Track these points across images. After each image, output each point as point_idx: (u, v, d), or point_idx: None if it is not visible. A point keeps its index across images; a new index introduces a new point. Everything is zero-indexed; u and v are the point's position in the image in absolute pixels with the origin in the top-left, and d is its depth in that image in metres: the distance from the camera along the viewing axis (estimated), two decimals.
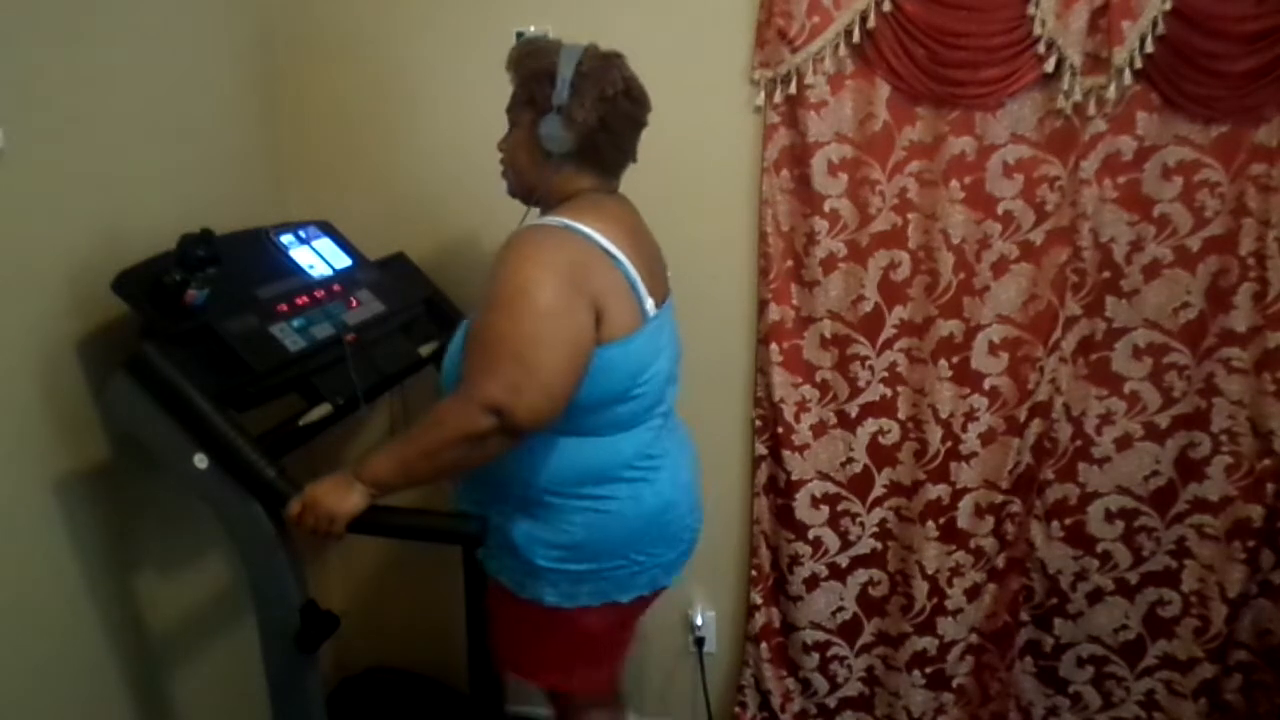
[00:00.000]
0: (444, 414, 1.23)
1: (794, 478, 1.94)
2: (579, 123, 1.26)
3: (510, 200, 1.43)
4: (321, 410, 1.44)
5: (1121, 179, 1.71)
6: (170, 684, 1.67)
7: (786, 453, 1.93)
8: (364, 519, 1.27)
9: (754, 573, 2.05)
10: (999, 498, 1.88)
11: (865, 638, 2.05)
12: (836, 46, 1.69)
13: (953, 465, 1.88)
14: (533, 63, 1.30)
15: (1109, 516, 1.89)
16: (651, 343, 1.31)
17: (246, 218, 1.69)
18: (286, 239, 1.65)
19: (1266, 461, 1.77)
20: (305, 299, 1.52)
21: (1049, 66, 1.63)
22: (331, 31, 1.90)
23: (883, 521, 1.97)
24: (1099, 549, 1.91)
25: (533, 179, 1.35)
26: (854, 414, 1.91)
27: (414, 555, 2.19)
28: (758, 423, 1.96)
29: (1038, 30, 1.61)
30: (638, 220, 1.40)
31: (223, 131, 1.77)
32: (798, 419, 1.92)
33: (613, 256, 1.24)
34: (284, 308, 1.47)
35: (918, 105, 1.72)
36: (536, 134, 1.29)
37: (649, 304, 1.29)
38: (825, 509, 1.97)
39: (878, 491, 1.96)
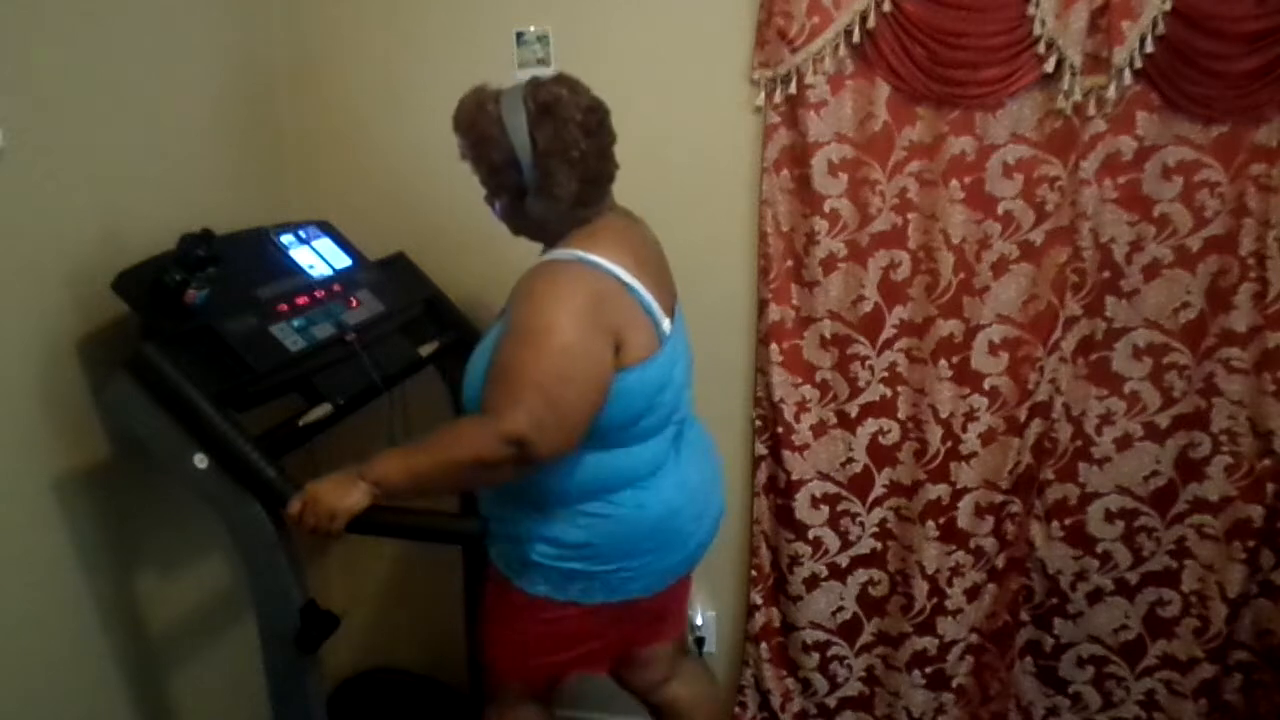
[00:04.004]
0: (464, 435, 1.26)
1: (794, 478, 1.94)
2: (562, 197, 1.27)
3: None
4: (321, 410, 1.44)
5: (1121, 179, 1.71)
6: (170, 684, 1.67)
7: (786, 453, 1.93)
8: (364, 518, 1.27)
9: (754, 573, 2.05)
10: (999, 498, 1.88)
11: (865, 638, 2.05)
12: (836, 46, 1.69)
13: (953, 465, 1.88)
14: (488, 156, 1.28)
15: (1109, 516, 1.89)
16: (669, 359, 1.33)
17: (246, 218, 1.69)
18: (286, 239, 1.65)
19: (1266, 461, 1.77)
20: (305, 299, 1.53)
21: (1049, 66, 1.63)
22: (331, 31, 1.90)
23: (883, 521, 1.97)
24: (1099, 549, 1.91)
25: (532, 230, 1.38)
26: (854, 414, 1.91)
27: (414, 555, 2.19)
28: (758, 423, 1.96)
29: (1038, 30, 1.61)
30: (642, 233, 1.41)
31: (223, 131, 1.77)
32: (798, 419, 1.92)
33: (628, 286, 1.26)
34: (284, 308, 1.47)
35: (918, 105, 1.72)
36: (525, 210, 1.30)
37: (665, 324, 1.31)
38: (825, 509, 1.97)
39: (878, 491, 1.96)
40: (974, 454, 1.87)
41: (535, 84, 1.28)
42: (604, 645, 1.51)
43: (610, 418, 1.27)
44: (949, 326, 1.81)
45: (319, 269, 1.65)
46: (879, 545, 1.99)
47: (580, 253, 1.26)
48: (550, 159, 1.25)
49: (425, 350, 1.74)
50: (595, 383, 1.23)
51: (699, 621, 2.10)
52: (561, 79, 1.30)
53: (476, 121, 1.28)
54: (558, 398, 1.19)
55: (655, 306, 1.30)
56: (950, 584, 1.93)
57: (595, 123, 1.29)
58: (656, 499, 1.37)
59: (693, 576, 1.59)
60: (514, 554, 1.39)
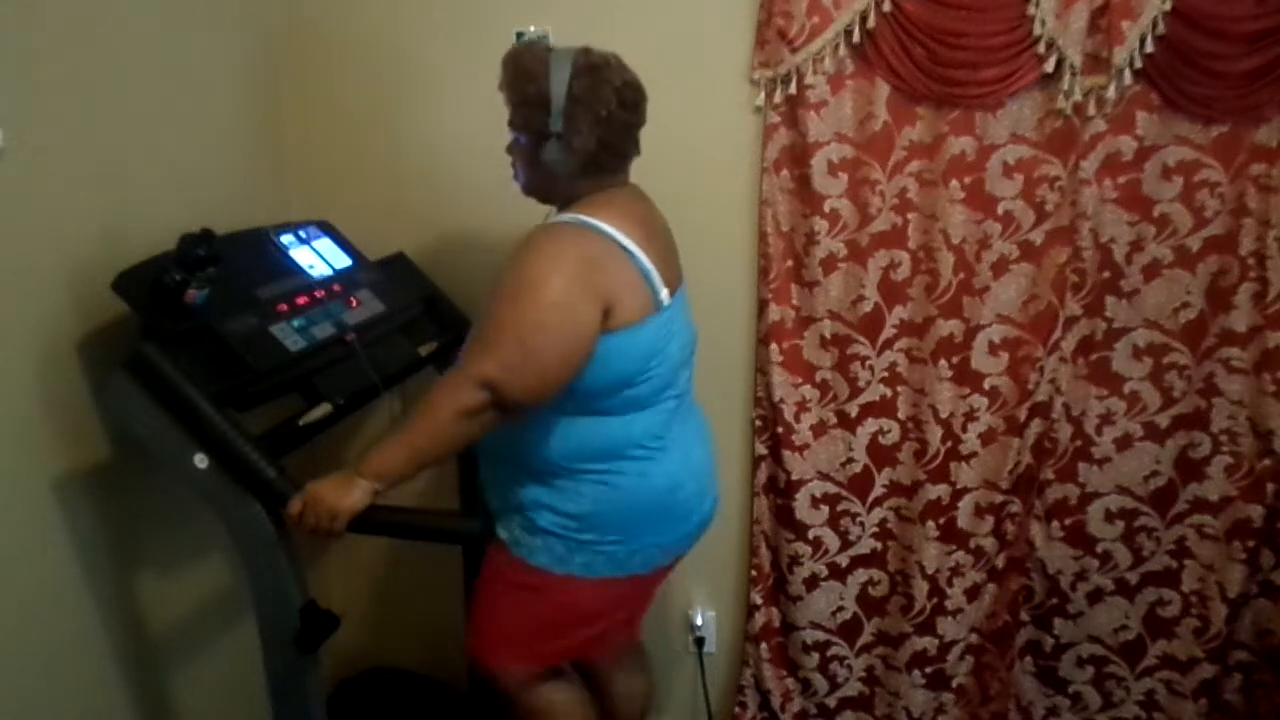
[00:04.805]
0: (440, 392, 1.29)
1: (794, 478, 1.94)
2: (578, 149, 1.29)
3: (510, 199, 1.44)
4: (321, 410, 1.44)
5: (1121, 179, 1.71)
6: (170, 684, 1.67)
7: (786, 453, 1.93)
8: (365, 518, 1.28)
9: (754, 573, 2.05)
10: (999, 498, 1.88)
11: (865, 638, 2.05)
12: (836, 46, 1.69)
13: (953, 465, 1.88)
14: (523, 88, 1.30)
15: (1109, 516, 1.89)
16: (664, 329, 1.34)
17: (247, 218, 1.69)
18: (286, 239, 1.65)
19: (1266, 461, 1.77)
20: (305, 299, 1.53)
21: (1049, 66, 1.63)
22: (332, 31, 1.90)
23: (883, 521, 1.97)
24: (1099, 549, 1.91)
25: (543, 187, 1.40)
26: (854, 414, 1.91)
27: (414, 555, 2.19)
28: (758, 423, 1.96)
29: (1038, 30, 1.61)
30: (650, 210, 1.43)
31: (223, 131, 1.76)
32: (798, 419, 1.92)
33: (628, 251, 1.28)
34: (284, 308, 1.47)
35: (918, 105, 1.72)
36: (539, 155, 1.31)
37: (664, 293, 1.33)
38: (825, 509, 1.97)
39: (878, 491, 1.96)
40: (974, 454, 1.87)
41: (588, 50, 1.32)
42: (610, 626, 1.52)
43: (600, 379, 1.29)
44: (949, 326, 1.81)
45: (319, 269, 1.65)
46: (879, 545, 1.99)
47: (582, 216, 1.29)
48: (578, 106, 1.27)
49: (425, 350, 1.74)
50: (572, 338, 1.24)
51: (699, 621, 2.10)
52: (614, 55, 1.34)
53: (522, 57, 1.31)
54: (531, 345, 1.23)
55: (654, 274, 1.31)
56: (950, 584, 1.93)
57: (631, 98, 1.32)
58: (660, 470, 1.39)
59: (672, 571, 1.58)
60: (518, 522, 1.41)
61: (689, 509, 1.46)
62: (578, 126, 1.27)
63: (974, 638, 1.99)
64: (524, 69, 1.30)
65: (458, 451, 1.55)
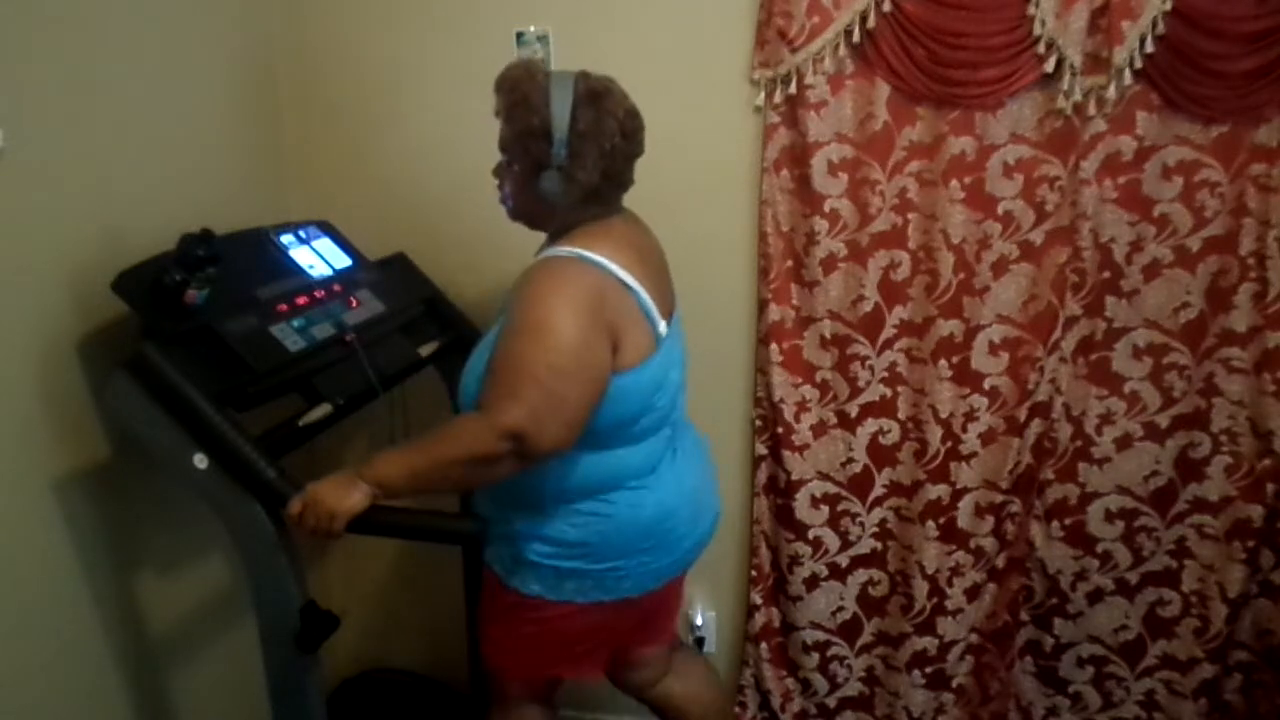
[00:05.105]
0: (461, 431, 1.25)
1: (794, 478, 1.94)
2: (582, 181, 1.27)
3: None
4: (321, 410, 1.44)
5: (1121, 179, 1.71)
6: (170, 684, 1.67)
7: (786, 453, 1.93)
8: (364, 518, 1.27)
9: (754, 573, 2.05)
10: (999, 498, 1.88)
11: (865, 638, 2.05)
12: (836, 46, 1.69)
13: (953, 465, 1.88)
14: (524, 118, 1.26)
15: (1109, 516, 1.89)
16: (664, 362, 1.33)
17: (246, 218, 1.69)
18: (286, 239, 1.65)
19: (1266, 461, 1.77)
20: (305, 299, 1.53)
21: (1049, 66, 1.63)
22: (331, 31, 1.90)
23: (883, 521, 1.97)
24: (1099, 549, 1.91)
25: (535, 215, 1.37)
26: (854, 414, 1.91)
27: (414, 555, 2.19)
28: (758, 423, 1.96)
29: (1038, 30, 1.61)
30: (644, 236, 1.41)
31: (223, 132, 1.77)
32: (798, 419, 1.92)
33: (626, 285, 1.26)
34: (284, 308, 1.47)
35: (918, 105, 1.72)
36: (537, 184, 1.28)
37: (661, 326, 1.31)
38: (825, 509, 1.97)
39: (878, 491, 1.96)
40: (974, 454, 1.87)
41: (586, 74, 1.30)
42: (596, 646, 1.51)
43: (606, 419, 1.27)
44: (949, 326, 1.81)
45: (319, 269, 1.65)
46: (879, 545, 1.99)
47: (581, 250, 1.26)
48: (584, 140, 1.25)
49: (425, 350, 1.74)
50: (594, 379, 1.23)
51: (699, 621, 2.10)
52: (611, 79, 1.31)
53: (521, 83, 1.27)
54: (556, 392, 1.19)
55: (653, 308, 1.30)
56: (950, 584, 1.93)
57: (632, 127, 1.30)
58: (652, 499, 1.37)
59: (685, 579, 1.58)
60: (508, 554, 1.40)
61: (681, 535, 1.44)
62: (583, 161, 1.25)
63: (974, 638, 1.99)
64: (524, 97, 1.26)
65: (459, 490, 1.54)
